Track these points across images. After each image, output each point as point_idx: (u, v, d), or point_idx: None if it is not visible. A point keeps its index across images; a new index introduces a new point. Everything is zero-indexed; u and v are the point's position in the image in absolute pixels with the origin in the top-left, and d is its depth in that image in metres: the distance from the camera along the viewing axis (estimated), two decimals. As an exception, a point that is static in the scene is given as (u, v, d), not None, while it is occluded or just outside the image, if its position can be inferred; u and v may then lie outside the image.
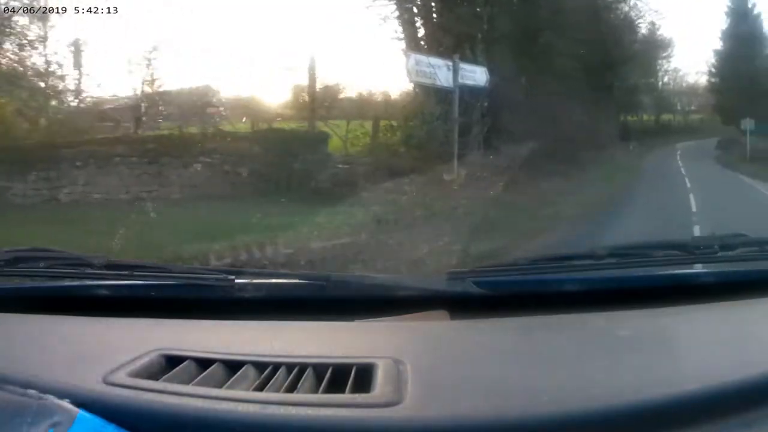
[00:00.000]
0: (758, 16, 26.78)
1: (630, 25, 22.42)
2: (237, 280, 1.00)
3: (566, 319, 0.92)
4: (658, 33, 28.33)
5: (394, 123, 11.44)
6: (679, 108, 35.16)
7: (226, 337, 0.86)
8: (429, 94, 10.71)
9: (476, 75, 10.38)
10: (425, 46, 11.30)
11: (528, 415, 0.61)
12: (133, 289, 1.06)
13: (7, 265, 1.07)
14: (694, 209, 9.26)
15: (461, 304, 0.98)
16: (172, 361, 0.71)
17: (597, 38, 18.90)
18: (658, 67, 32.08)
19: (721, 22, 29.89)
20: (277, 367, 0.70)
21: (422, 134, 10.18)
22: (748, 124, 21.46)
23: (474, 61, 10.50)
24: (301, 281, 1.09)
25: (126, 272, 1.06)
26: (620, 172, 15.35)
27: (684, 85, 34.95)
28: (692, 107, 35.49)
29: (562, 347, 0.83)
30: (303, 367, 0.70)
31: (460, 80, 9.65)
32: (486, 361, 0.77)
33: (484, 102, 10.82)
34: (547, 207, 8.32)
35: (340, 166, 9.93)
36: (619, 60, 21.28)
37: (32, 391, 0.60)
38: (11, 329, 0.91)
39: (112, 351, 0.75)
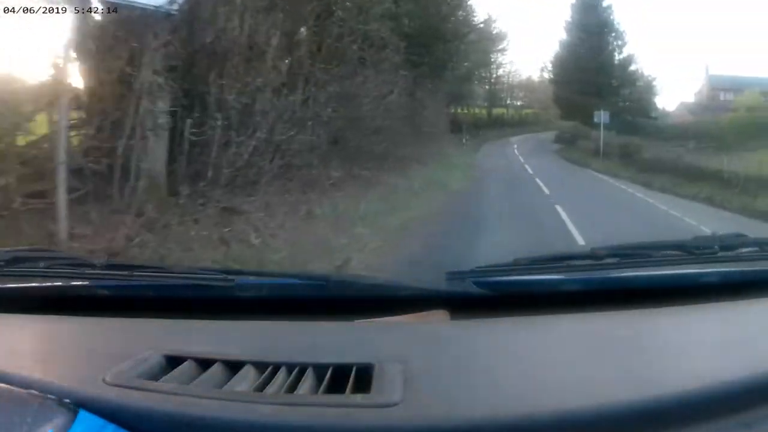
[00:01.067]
0: (608, 7, 25.25)
1: (463, 5, 18.49)
2: (237, 280, 1.00)
3: (566, 319, 0.92)
4: (494, 26, 27.14)
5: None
6: (509, 102, 34.70)
7: (226, 337, 0.86)
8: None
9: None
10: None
11: (528, 414, 0.61)
12: (134, 289, 1.06)
13: (7, 265, 1.07)
14: (581, 241, 5.90)
15: (461, 304, 0.98)
16: (172, 361, 0.71)
17: (424, 9, 14.39)
18: (492, 59, 31.08)
19: (567, 14, 28.36)
20: (277, 367, 0.70)
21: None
22: (603, 116, 19.22)
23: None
24: (300, 281, 1.09)
25: (126, 272, 1.06)
26: (454, 173, 11.78)
27: (516, 80, 34.38)
28: (524, 102, 34.82)
29: (562, 347, 0.83)
30: (303, 368, 0.70)
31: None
32: (486, 361, 0.77)
33: (168, 43, 5.23)
34: (319, 258, 4.50)
35: None
36: (450, 39, 16.43)
37: (32, 391, 0.60)
38: (11, 329, 0.91)
39: (112, 351, 0.75)
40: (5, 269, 1.06)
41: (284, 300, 1.05)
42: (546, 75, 30.33)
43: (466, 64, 22.89)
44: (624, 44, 25.48)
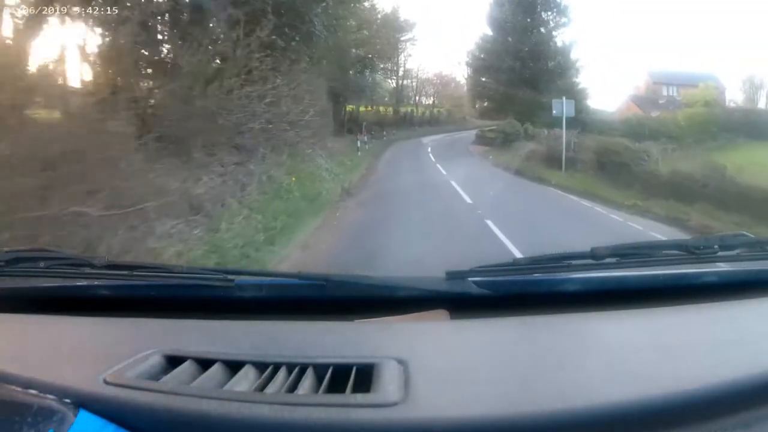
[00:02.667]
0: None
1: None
2: (237, 280, 1.00)
3: (566, 319, 0.92)
4: (400, 15, 23.49)
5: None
6: (418, 99, 29.84)
7: (226, 337, 0.87)
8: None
9: None
10: None
11: (527, 414, 0.61)
12: (133, 289, 1.06)
13: (7, 265, 1.07)
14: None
15: (461, 304, 0.98)
16: (172, 361, 0.71)
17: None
18: (400, 50, 26.37)
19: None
20: (277, 367, 0.70)
21: None
22: (565, 107, 13.50)
23: None
24: (300, 281, 1.09)
25: (126, 272, 1.06)
26: (306, 226, 6.23)
27: (425, 76, 29.68)
28: (435, 99, 30.37)
29: (562, 347, 0.83)
30: (303, 367, 0.70)
31: None
32: (486, 361, 0.77)
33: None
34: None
35: None
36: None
37: (32, 391, 0.60)
38: (11, 329, 0.91)
39: (112, 351, 0.75)
40: (5, 269, 1.06)
41: (284, 300, 1.06)
42: (462, 69, 26.21)
43: (373, 47, 18.87)
44: (567, 23, 20.38)
